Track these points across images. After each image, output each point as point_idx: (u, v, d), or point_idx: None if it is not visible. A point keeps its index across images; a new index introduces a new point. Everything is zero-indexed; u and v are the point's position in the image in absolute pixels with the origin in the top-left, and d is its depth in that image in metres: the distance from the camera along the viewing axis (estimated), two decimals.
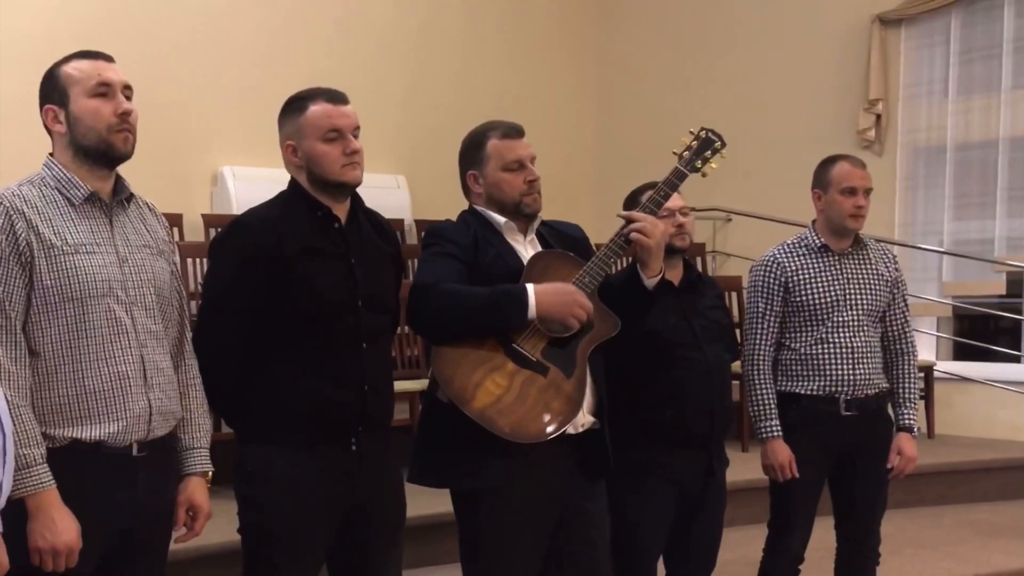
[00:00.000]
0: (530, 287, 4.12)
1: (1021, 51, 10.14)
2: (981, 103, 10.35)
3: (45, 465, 3.27)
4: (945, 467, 8.55)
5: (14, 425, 3.16)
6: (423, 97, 11.54)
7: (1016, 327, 10.41)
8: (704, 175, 4.60)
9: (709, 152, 4.54)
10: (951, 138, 10.51)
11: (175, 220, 9.56)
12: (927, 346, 10.62)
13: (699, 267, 10.39)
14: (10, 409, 3.16)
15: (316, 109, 3.96)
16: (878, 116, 10.83)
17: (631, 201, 4.68)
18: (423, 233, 4.53)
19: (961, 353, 10.81)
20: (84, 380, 3.37)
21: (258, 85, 9.48)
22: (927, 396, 9.58)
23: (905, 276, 10.12)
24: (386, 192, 10.70)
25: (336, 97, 4.02)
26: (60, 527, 3.25)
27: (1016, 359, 10.33)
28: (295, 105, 4.02)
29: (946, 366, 10.39)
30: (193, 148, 10.12)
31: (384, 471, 4.08)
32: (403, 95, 11.42)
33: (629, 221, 4.32)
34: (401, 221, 10.61)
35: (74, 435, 3.36)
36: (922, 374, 9.39)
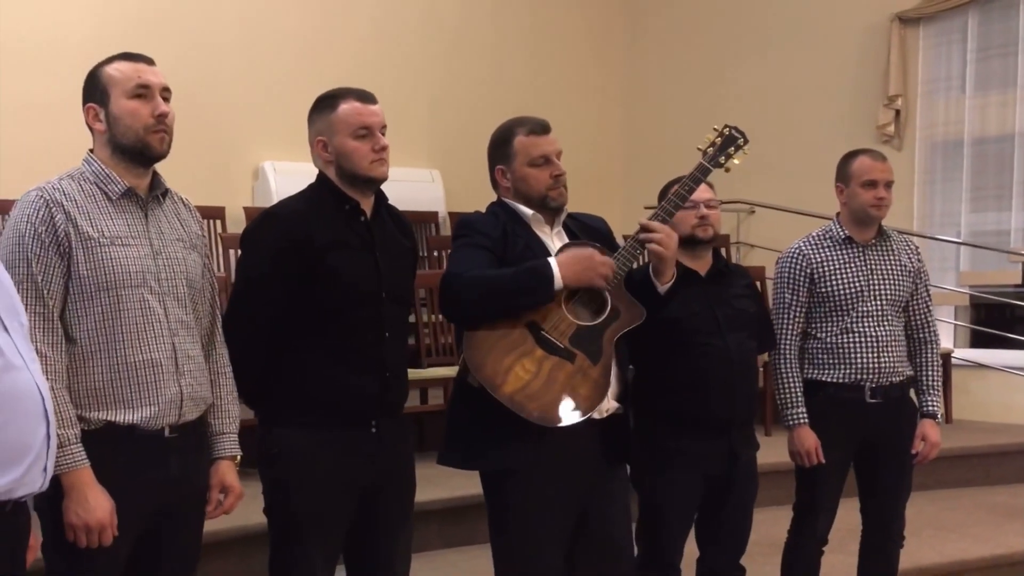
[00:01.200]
0: (552, 259, 4.13)
1: None
2: (997, 99, 10.32)
3: (79, 444, 3.29)
4: (963, 451, 8.49)
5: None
6: (456, 94, 11.52)
7: None
8: (727, 170, 4.58)
9: (732, 148, 4.51)
10: (968, 133, 10.48)
11: (218, 213, 9.63)
12: (945, 334, 10.44)
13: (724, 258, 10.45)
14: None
15: (347, 107, 3.97)
16: (897, 112, 10.79)
17: (663, 194, 4.63)
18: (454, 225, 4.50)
19: (978, 341, 10.78)
20: (119, 367, 3.38)
21: (297, 84, 9.45)
22: (945, 382, 9.43)
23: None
24: (421, 186, 10.71)
25: (366, 96, 4.03)
26: (93, 504, 3.26)
27: None
28: (326, 103, 4.02)
29: (963, 353, 10.38)
30: (235, 144, 10.14)
31: (401, 452, 4.12)
32: (436, 93, 11.41)
33: (645, 229, 4.29)
34: (435, 214, 10.64)
35: (108, 418, 3.37)
36: (940, 361, 9.38)
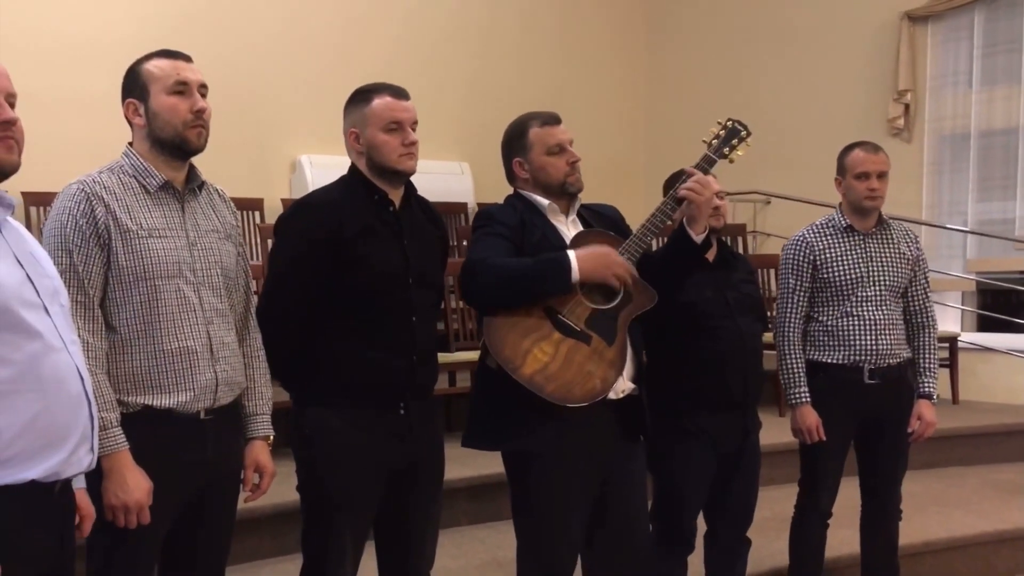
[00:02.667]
0: (571, 252, 4.12)
1: None
2: (1003, 93, 10.29)
3: (119, 428, 3.28)
4: (969, 431, 8.45)
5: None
6: (485, 90, 11.51)
7: None
8: (731, 161, 4.55)
9: (736, 140, 4.49)
10: (975, 126, 10.45)
11: (256, 204, 9.69)
12: (953, 318, 10.63)
13: (740, 246, 10.51)
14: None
15: (380, 102, 3.94)
16: (907, 106, 10.78)
17: (668, 185, 4.63)
18: (475, 216, 4.51)
19: (985, 325, 10.74)
20: (156, 354, 3.37)
21: (332, 81, 9.43)
22: (952, 365, 9.54)
23: (931, 254, 10.41)
24: (451, 178, 10.75)
25: (399, 92, 3.99)
26: (131, 485, 3.25)
27: None
28: (361, 97, 4.00)
29: (970, 337, 10.33)
30: (273, 138, 10.19)
31: (430, 433, 4.08)
32: (467, 88, 11.43)
33: (684, 179, 4.31)
34: (464, 204, 10.64)
35: (146, 402, 3.36)
36: (947, 344, 9.46)
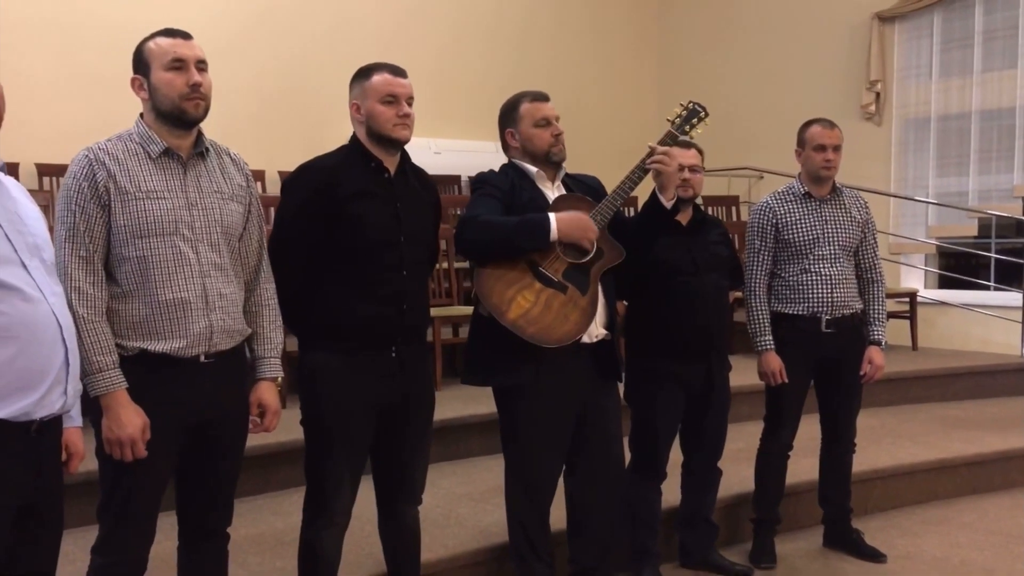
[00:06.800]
0: (552, 214, 4.04)
1: (989, 42, 10.06)
2: (958, 83, 10.25)
3: (117, 370, 3.10)
4: (923, 373, 8.27)
5: (88, 338, 3.03)
6: (519, 83, 11.21)
7: (988, 262, 10.29)
8: (691, 138, 4.54)
9: (695, 120, 4.41)
10: (934, 111, 10.42)
11: None
12: (917, 277, 10.66)
13: (735, 215, 10.38)
14: (84, 324, 3.03)
15: (379, 77, 3.78)
16: (877, 94, 10.74)
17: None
18: (472, 180, 4.37)
19: (944, 283, 10.68)
20: (152, 304, 3.18)
21: None
22: (912, 316, 9.43)
23: (899, 221, 10.36)
24: (489, 155, 10.49)
25: (396, 70, 3.83)
26: (125, 421, 3.07)
27: (987, 288, 10.19)
28: (363, 73, 3.83)
29: (930, 293, 10.34)
30: (328, 122, 9.94)
31: (419, 373, 3.91)
32: (504, 81, 11.18)
33: (651, 153, 4.20)
34: None
35: (142, 346, 3.17)
36: (908, 299, 9.43)
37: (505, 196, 4.16)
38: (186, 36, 3.30)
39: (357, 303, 3.71)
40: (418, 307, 3.89)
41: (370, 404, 3.74)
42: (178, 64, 3.24)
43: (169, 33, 3.29)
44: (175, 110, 3.24)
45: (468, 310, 7.28)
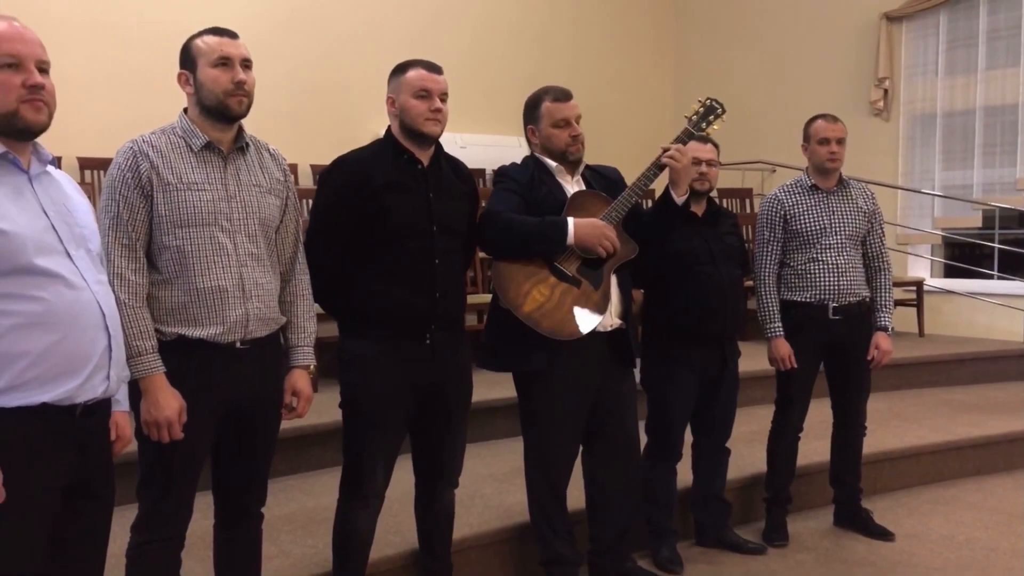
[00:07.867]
0: (570, 220, 3.99)
1: (992, 41, 9.95)
2: (963, 80, 10.14)
3: (156, 355, 3.11)
4: (929, 358, 8.20)
5: (128, 323, 3.03)
6: (542, 79, 11.18)
7: (991, 252, 10.19)
8: (708, 135, 4.51)
9: (712, 116, 4.37)
10: (940, 107, 10.31)
11: None
12: (923, 266, 10.58)
13: (748, 207, 10.33)
14: (125, 309, 3.03)
15: (414, 73, 3.75)
16: (885, 90, 10.64)
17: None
18: (494, 173, 4.35)
19: (950, 272, 10.58)
20: (191, 291, 3.18)
21: None
22: (919, 304, 9.37)
23: (906, 213, 10.32)
24: (513, 149, 10.53)
25: (432, 67, 3.80)
26: (162, 403, 3.08)
27: (990, 277, 10.09)
28: (400, 68, 3.82)
29: (936, 282, 10.25)
30: (358, 118, 9.95)
31: (455, 360, 3.87)
32: (527, 78, 11.16)
33: (665, 150, 4.20)
34: None
35: (180, 332, 3.17)
36: (915, 287, 9.40)
37: (523, 189, 4.13)
38: (233, 35, 3.30)
39: (390, 291, 3.69)
40: (452, 295, 3.85)
41: (404, 389, 3.73)
42: (224, 61, 3.23)
43: (217, 32, 3.28)
44: (219, 105, 3.23)
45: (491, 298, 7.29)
